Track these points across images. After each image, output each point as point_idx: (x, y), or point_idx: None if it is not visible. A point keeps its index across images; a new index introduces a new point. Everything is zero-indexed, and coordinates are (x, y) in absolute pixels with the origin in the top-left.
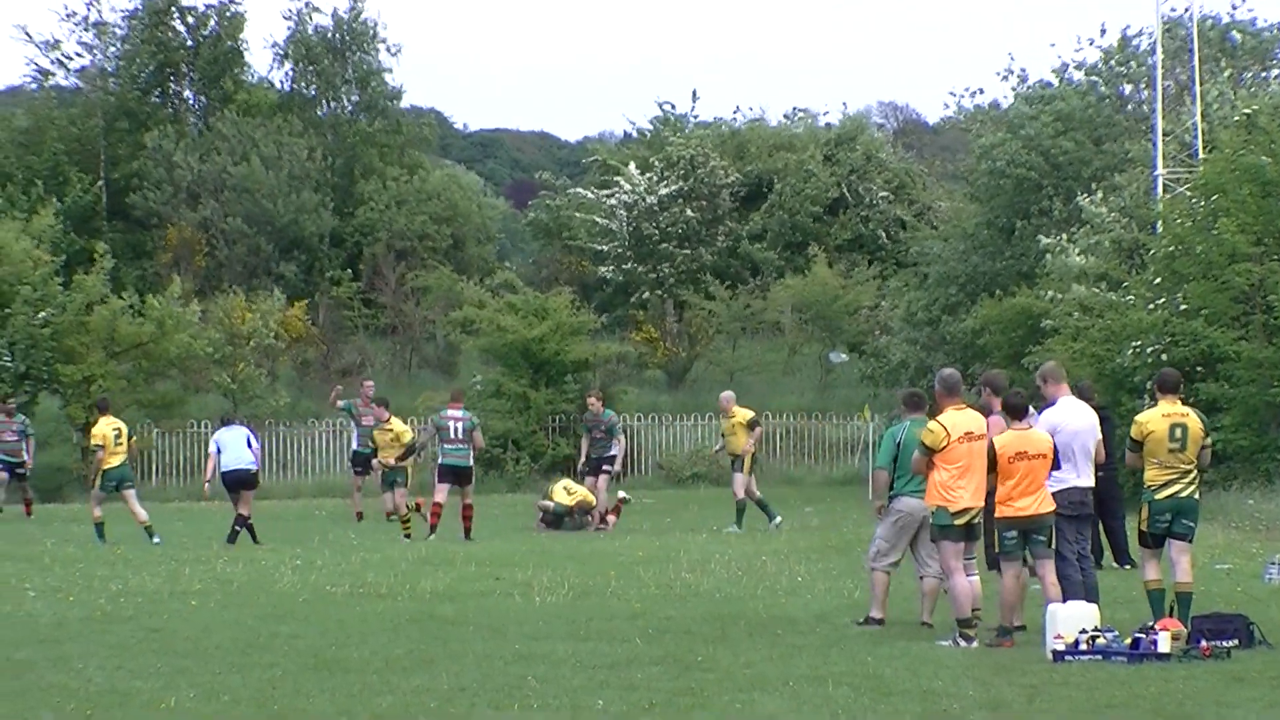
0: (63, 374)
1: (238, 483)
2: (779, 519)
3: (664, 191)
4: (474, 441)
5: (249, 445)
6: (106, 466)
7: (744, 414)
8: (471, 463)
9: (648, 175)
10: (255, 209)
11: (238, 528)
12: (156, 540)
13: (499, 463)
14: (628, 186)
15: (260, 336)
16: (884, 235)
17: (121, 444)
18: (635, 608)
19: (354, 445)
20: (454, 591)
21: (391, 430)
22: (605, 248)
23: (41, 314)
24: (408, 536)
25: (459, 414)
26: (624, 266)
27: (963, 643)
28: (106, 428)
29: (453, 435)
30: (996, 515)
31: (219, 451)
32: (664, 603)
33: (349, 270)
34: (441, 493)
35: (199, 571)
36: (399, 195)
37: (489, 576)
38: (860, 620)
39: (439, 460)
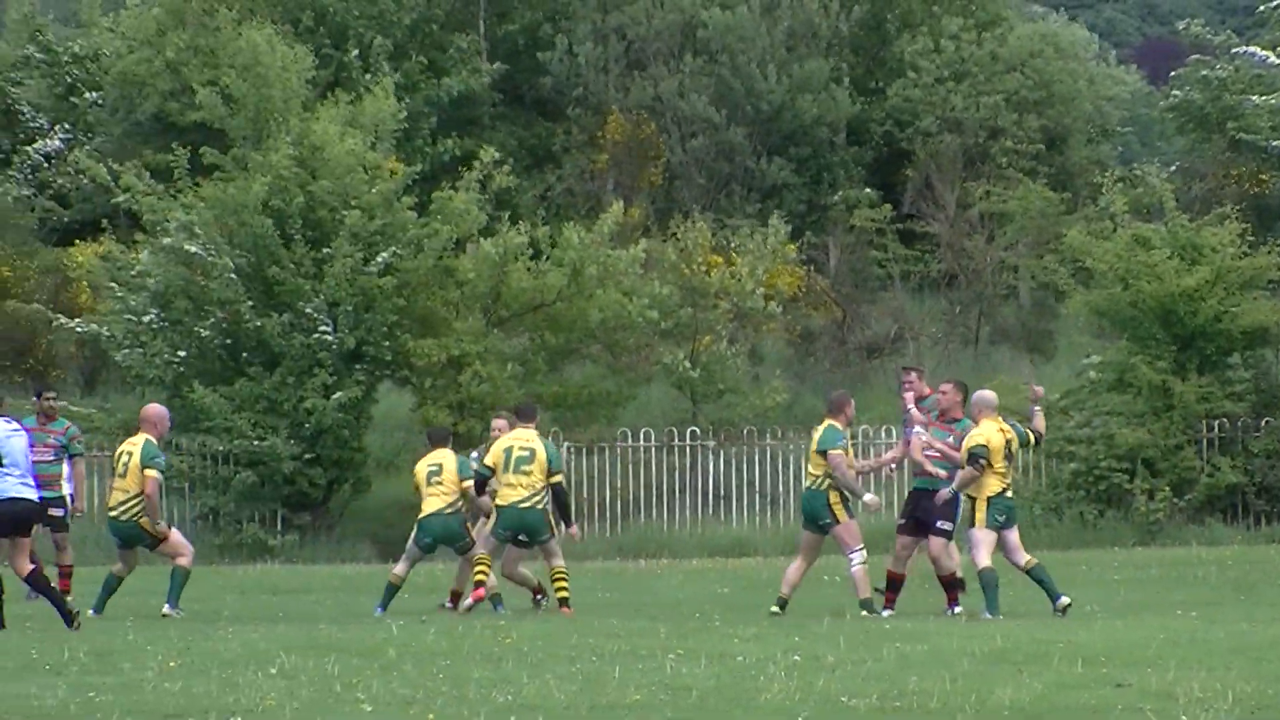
0: (416, 353)
1: (19, 523)
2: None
3: None
4: None
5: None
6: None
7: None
8: None
9: None
10: (732, 84)
11: (37, 593)
12: (500, 609)
13: (1123, 496)
14: None
15: (740, 294)
16: None
17: (440, 482)
18: None
19: None
20: (1046, 707)
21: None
22: None
23: (381, 256)
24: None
25: None
26: None
27: None
28: (424, 464)
29: None
30: None
31: None
32: None
33: (878, 185)
34: None
35: (636, 672)
36: (959, 65)
37: (1104, 682)
38: None
39: None
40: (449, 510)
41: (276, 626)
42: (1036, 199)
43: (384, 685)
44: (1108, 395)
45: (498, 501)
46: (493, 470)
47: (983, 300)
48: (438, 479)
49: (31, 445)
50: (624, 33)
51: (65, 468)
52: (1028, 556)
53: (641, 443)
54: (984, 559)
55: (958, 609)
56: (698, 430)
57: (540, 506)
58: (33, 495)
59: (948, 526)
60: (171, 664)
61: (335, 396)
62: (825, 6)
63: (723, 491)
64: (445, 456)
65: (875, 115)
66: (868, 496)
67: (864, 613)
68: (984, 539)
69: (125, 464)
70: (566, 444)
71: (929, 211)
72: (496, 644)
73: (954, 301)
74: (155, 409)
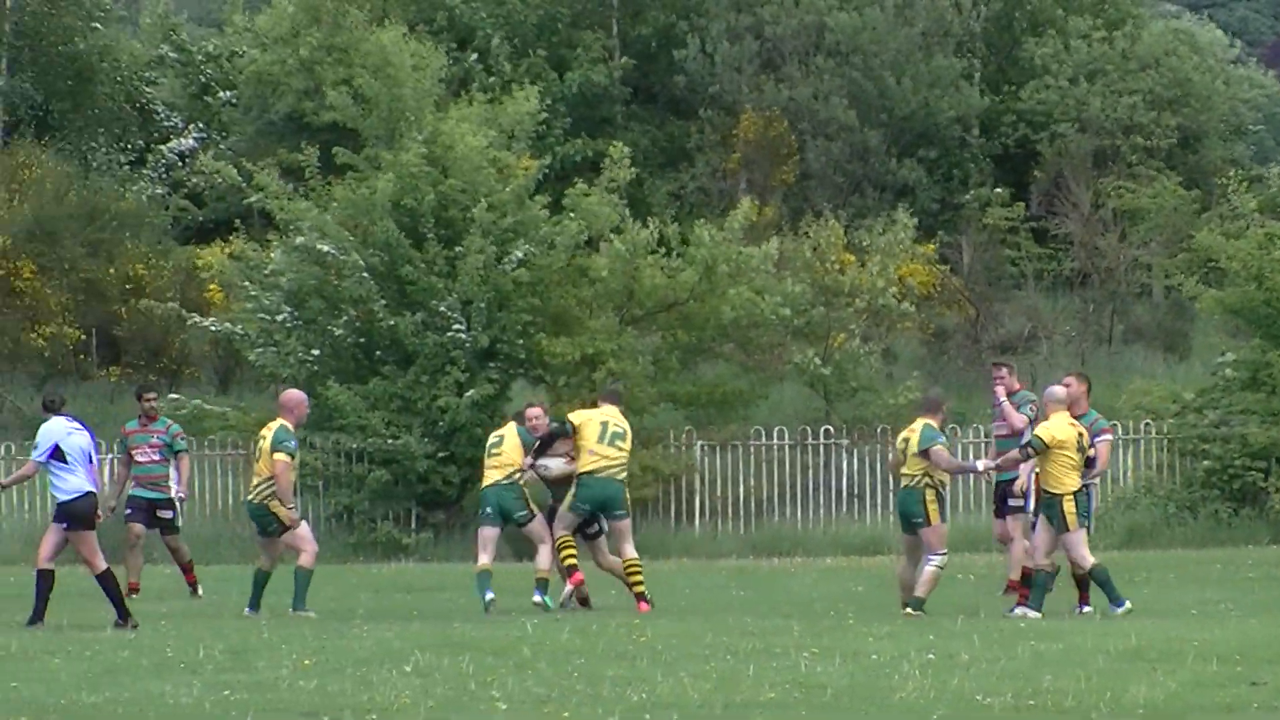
0: (550, 352)
1: (86, 518)
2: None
3: None
4: None
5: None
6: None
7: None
8: None
9: None
10: (864, 86)
11: (115, 601)
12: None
13: (1257, 494)
14: None
15: (873, 292)
16: None
17: (499, 454)
18: None
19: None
20: (1181, 705)
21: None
22: None
23: (515, 253)
24: None
25: None
26: None
27: None
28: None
29: None
30: None
31: (50, 457)
32: None
33: (1009, 184)
34: None
35: (770, 670)
36: (1092, 64)
37: (1239, 680)
38: None
39: None
40: (505, 481)
41: (411, 625)
42: (1170, 196)
43: (518, 683)
44: (1241, 394)
45: (580, 469)
46: (576, 428)
47: (1116, 299)
48: (496, 450)
49: (137, 447)
50: (758, 31)
51: (172, 470)
52: (1047, 561)
53: (775, 441)
54: (1088, 556)
55: (1088, 608)
56: (831, 429)
57: (621, 479)
58: (93, 489)
59: (1084, 522)
60: (306, 662)
61: (468, 395)
62: (958, 4)
63: (856, 489)
64: (507, 430)
65: (1007, 117)
66: (980, 464)
67: (906, 610)
68: (1080, 538)
69: (261, 449)
70: (700, 442)
71: (1061, 210)
72: (631, 642)
73: (1087, 300)
74: (293, 395)
